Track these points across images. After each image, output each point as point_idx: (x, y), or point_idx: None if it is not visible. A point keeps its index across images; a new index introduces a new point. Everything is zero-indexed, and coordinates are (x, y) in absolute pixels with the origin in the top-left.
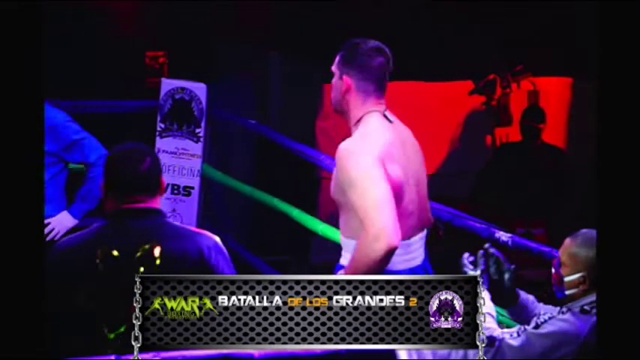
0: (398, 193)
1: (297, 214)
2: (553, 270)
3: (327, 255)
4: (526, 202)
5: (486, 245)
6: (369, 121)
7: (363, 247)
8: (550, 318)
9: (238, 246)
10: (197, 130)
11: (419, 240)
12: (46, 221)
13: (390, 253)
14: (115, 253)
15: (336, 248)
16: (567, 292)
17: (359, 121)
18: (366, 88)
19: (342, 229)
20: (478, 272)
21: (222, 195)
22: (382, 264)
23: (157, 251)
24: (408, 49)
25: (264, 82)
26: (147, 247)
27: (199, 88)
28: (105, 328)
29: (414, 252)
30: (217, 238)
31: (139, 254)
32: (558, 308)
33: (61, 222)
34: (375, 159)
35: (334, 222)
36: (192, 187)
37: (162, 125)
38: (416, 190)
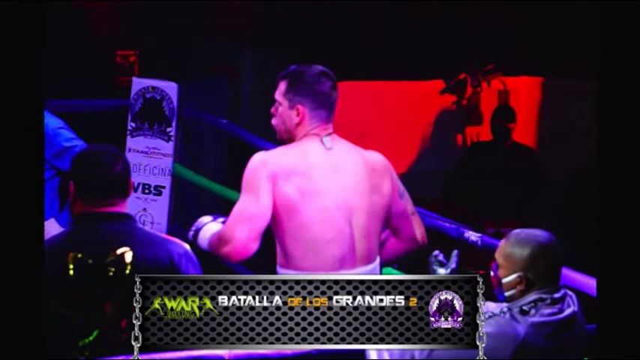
0: (287, 211)
1: None
2: (492, 273)
3: None
4: (496, 201)
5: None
6: (301, 144)
7: (215, 241)
8: (490, 317)
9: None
10: (168, 130)
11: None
12: None
13: (231, 257)
14: (87, 259)
15: None
16: (507, 294)
17: (299, 140)
18: (319, 115)
19: None
20: (448, 271)
21: (193, 194)
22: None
23: (128, 257)
24: (379, 48)
25: (236, 81)
26: (118, 252)
27: (170, 87)
28: (77, 333)
29: None
30: (187, 246)
31: (109, 259)
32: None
33: (48, 231)
34: (266, 171)
35: None
36: (164, 187)
37: (133, 124)
38: (346, 219)
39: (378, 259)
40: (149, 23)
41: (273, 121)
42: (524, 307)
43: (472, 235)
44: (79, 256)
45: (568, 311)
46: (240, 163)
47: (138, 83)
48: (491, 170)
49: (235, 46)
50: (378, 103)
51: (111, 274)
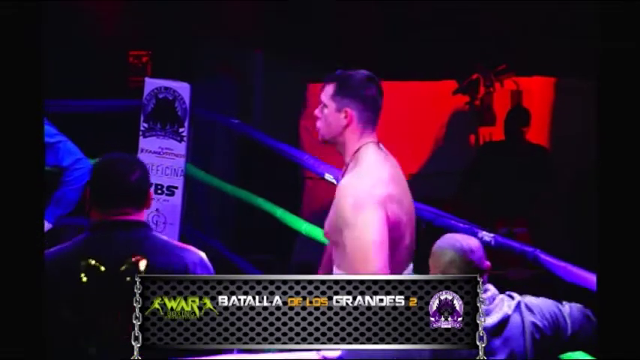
0: (397, 232)
1: (280, 213)
2: None
3: (310, 254)
4: (509, 201)
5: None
6: (367, 155)
7: None
8: None
9: (221, 245)
10: (180, 130)
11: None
12: None
13: None
14: (101, 267)
15: (319, 247)
16: None
17: (356, 152)
18: (367, 119)
19: (337, 262)
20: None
21: (205, 194)
22: None
23: (142, 265)
24: (392, 48)
25: (248, 81)
26: (132, 260)
27: (183, 88)
28: (86, 341)
29: None
30: (203, 254)
31: (123, 267)
32: None
33: None
34: (376, 202)
35: (317, 221)
36: (176, 187)
37: (146, 125)
38: (408, 220)
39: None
40: (159, 23)
41: (318, 124)
42: None
43: (485, 235)
44: (93, 263)
45: (497, 315)
46: (252, 164)
47: (150, 84)
48: (504, 170)
49: (245, 45)
50: (390, 103)
51: (127, 280)
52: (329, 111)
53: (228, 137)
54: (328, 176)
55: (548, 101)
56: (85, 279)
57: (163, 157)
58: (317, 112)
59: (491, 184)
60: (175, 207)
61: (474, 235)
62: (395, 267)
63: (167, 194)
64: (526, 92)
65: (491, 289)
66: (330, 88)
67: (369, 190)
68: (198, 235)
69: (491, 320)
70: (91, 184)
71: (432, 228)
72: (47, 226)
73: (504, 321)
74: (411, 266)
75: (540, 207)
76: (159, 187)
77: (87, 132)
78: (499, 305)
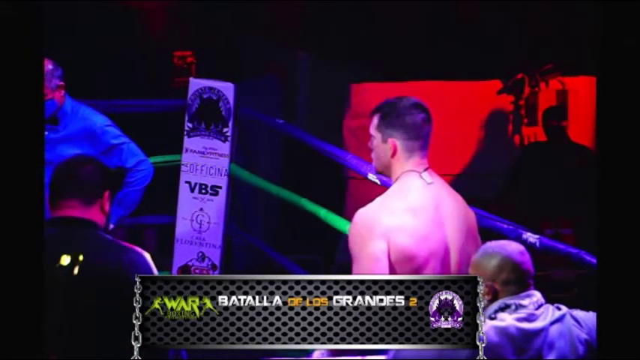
0: (411, 263)
1: (324, 214)
2: None
3: None
4: (554, 202)
5: None
6: (403, 184)
7: None
8: None
9: (265, 245)
10: (225, 130)
11: None
12: None
13: None
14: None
15: None
16: (478, 305)
17: (397, 178)
18: (412, 147)
19: None
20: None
21: (249, 194)
22: None
23: (64, 260)
24: (437, 48)
25: (292, 81)
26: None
27: (227, 88)
28: None
29: None
30: (147, 255)
31: (58, 264)
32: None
33: None
34: (379, 235)
35: None
36: (220, 187)
37: (190, 125)
38: (429, 255)
39: None
40: (203, 24)
41: (372, 156)
42: (491, 315)
43: (530, 237)
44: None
45: (540, 322)
46: (296, 164)
47: (195, 84)
48: (548, 171)
49: (289, 46)
50: (435, 103)
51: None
52: (376, 142)
53: (273, 137)
54: (371, 176)
55: (594, 101)
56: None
57: (207, 157)
58: (369, 144)
59: (535, 185)
60: (220, 207)
61: (519, 236)
62: None
63: (211, 194)
64: (572, 92)
65: (537, 295)
66: (375, 119)
67: (377, 221)
68: (243, 236)
69: (534, 326)
70: (50, 179)
71: (478, 229)
72: (110, 227)
73: (548, 328)
74: None
75: (585, 208)
76: (203, 186)
77: (132, 132)
78: (545, 313)
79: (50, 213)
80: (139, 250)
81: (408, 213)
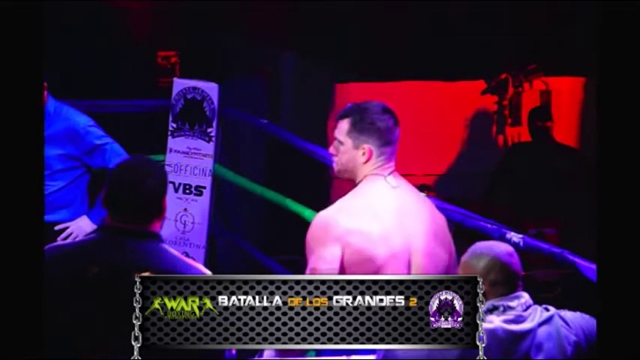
0: (370, 265)
1: (309, 213)
2: None
3: None
4: (538, 202)
5: None
6: (365, 186)
7: None
8: None
9: (250, 246)
10: (209, 130)
11: None
12: (64, 225)
13: None
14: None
15: None
16: None
17: (360, 181)
18: (385, 153)
19: None
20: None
21: (234, 195)
22: None
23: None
24: (420, 48)
25: (276, 81)
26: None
27: (211, 88)
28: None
29: None
30: (209, 273)
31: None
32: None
33: (80, 226)
34: (334, 239)
35: None
36: (204, 187)
37: (174, 125)
38: (391, 257)
39: None
40: (187, 23)
41: (335, 160)
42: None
43: (514, 237)
44: (95, 269)
45: (528, 324)
46: (281, 164)
47: (179, 84)
48: (532, 171)
49: (274, 46)
50: (419, 103)
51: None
52: (345, 148)
53: (257, 137)
54: None
55: (578, 101)
56: (87, 281)
57: (191, 157)
58: (332, 149)
59: (519, 185)
60: (204, 207)
61: (503, 236)
62: None
63: (195, 194)
64: (555, 92)
65: (525, 296)
66: (344, 125)
67: (333, 226)
68: (227, 236)
69: (522, 327)
70: (106, 188)
71: (461, 229)
72: (92, 226)
73: (536, 330)
74: None
75: (570, 208)
76: (187, 186)
77: (115, 132)
78: (533, 314)
79: (110, 221)
80: (202, 268)
81: (368, 214)
